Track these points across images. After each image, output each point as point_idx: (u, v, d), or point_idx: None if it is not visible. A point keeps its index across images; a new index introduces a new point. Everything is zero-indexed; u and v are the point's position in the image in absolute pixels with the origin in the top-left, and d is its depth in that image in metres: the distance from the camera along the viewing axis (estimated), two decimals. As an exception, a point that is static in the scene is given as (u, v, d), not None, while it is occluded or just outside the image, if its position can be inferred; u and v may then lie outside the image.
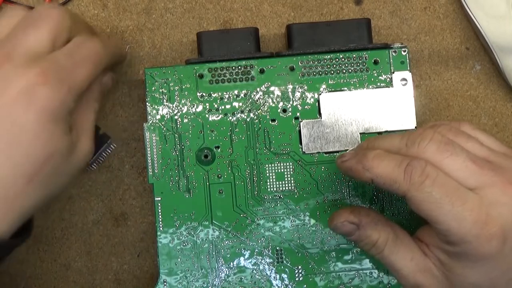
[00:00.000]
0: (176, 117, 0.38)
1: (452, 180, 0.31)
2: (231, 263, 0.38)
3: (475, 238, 0.30)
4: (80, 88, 0.33)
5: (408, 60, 0.39)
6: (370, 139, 0.35)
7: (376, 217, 0.35)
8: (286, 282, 0.38)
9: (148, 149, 0.38)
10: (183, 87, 0.38)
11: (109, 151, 0.42)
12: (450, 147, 0.31)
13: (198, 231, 0.38)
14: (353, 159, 0.33)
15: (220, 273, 0.38)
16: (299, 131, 0.38)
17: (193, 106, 0.38)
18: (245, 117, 0.38)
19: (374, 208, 0.38)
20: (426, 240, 0.33)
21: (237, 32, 0.39)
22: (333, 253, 0.38)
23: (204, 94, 0.38)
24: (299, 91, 0.39)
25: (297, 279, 0.38)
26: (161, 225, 0.38)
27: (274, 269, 0.38)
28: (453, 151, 0.31)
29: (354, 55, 0.39)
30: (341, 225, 0.35)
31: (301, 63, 0.39)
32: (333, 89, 0.39)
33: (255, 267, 0.38)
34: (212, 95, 0.38)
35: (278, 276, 0.38)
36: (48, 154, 0.32)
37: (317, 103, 0.39)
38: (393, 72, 0.39)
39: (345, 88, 0.39)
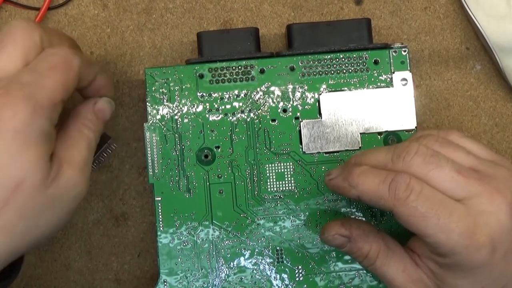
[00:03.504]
0: (176, 117, 0.38)
1: (438, 192, 0.31)
2: (231, 263, 0.38)
3: (464, 248, 0.30)
4: (51, 103, 0.30)
5: (408, 60, 0.39)
6: (357, 155, 0.34)
7: (367, 228, 0.35)
8: (286, 282, 0.38)
9: (148, 149, 0.38)
10: (183, 87, 0.38)
11: (109, 151, 0.42)
12: (435, 159, 0.31)
13: (198, 231, 0.38)
14: (339, 176, 0.33)
15: (220, 273, 0.38)
16: (299, 131, 0.38)
17: (193, 106, 0.38)
18: (245, 117, 0.38)
19: (373, 210, 0.38)
20: (417, 251, 0.33)
21: (237, 32, 0.39)
22: (333, 253, 0.38)
23: (204, 94, 0.38)
24: (299, 91, 0.39)
25: (297, 279, 0.38)
26: (161, 225, 0.38)
27: (274, 269, 0.38)
28: (438, 163, 0.31)
29: (354, 55, 0.39)
30: (332, 238, 0.35)
31: (301, 63, 0.39)
32: (333, 89, 0.39)
33: (255, 267, 0.38)
34: (212, 95, 0.38)
35: (278, 276, 0.38)
36: (16, 180, 0.28)
37: (317, 103, 0.39)
38: (393, 72, 0.39)
39: (345, 88, 0.39)
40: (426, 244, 0.31)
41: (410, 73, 0.39)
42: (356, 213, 0.38)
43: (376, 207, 0.32)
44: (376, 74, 0.39)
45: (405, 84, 0.39)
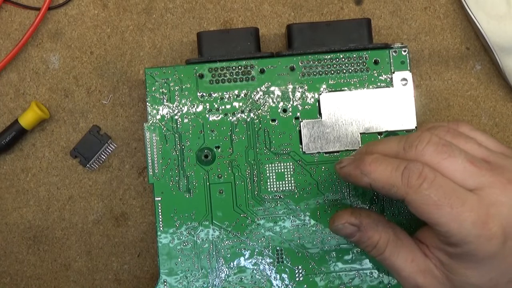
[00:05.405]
0: (176, 117, 0.38)
1: (451, 181, 0.31)
2: (231, 263, 0.38)
3: (475, 238, 0.30)
4: None
5: (408, 60, 0.39)
6: (369, 144, 0.35)
7: (377, 218, 0.35)
8: (286, 282, 0.38)
9: (148, 149, 0.38)
10: (184, 87, 0.38)
11: (109, 151, 0.42)
12: (448, 149, 0.31)
13: (198, 231, 0.38)
14: (351, 164, 0.33)
15: (220, 273, 0.38)
16: (299, 131, 0.38)
17: (193, 106, 0.38)
18: (245, 117, 0.38)
19: (375, 208, 0.38)
20: (426, 241, 0.33)
21: (237, 32, 0.39)
22: (333, 253, 0.38)
23: (204, 94, 0.38)
24: (299, 91, 0.39)
25: (297, 279, 0.38)
26: (161, 225, 0.38)
27: (274, 269, 0.38)
28: (450, 153, 0.31)
29: (354, 55, 0.39)
30: (342, 227, 0.35)
31: (301, 63, 0.39)
32: (333, 89, 0.39)
33: (255, 267, 0.38)
34: (212, 95, 0.38)
35: (278, 276, 0.38)
36: None
37: (317, 103, 0.39)
38: (393, 72, 0.39)
39: (346, 88, 0.39)
40: (437, 234, 0.31)
41: (410, 73, 0.39)
42: (356, 213, 0.38)
43: (388, 195, 0.32)
44: (376, 74, 0.39)
45: (405, 84, 0.39)
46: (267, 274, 0.38)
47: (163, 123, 0.38)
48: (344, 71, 0.39)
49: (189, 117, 0.38)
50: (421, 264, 0.33)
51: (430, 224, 0.31)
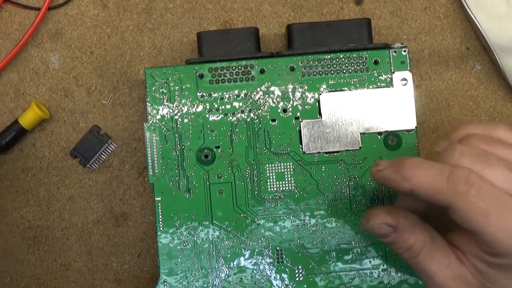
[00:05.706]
0: (176, 117, 0.38)
1: (498, 189, 0.29)
2: (231, 263, 0.38)
3: None
4: None
5: (408, 60, 0.39)
6: None
7: (413, 219, 0.33)
8: (286, 282, 0.38)
9: (149, 149, 0.38)
10: (184, 87, 0.38)
11: (109, 151, 0.42)
12: (485, 158, 0.30)
13: (198, 231, 0.38)
14: (389, 168, 0.31)
15: (220, 273, 0.38)
16: (299, 131, 0.38)
17: (193, 106, 0.38)
18: (245, 117, 0.38)
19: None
20: (461, 247, 0.32)
21: (237, 32, 0.39)
22: (333, 253, 0.38)
23: (204, 94, 0.38)
24: (299, 91, 0.39)
25: (297, 279, 0.38)
26: (161, 225, 0.38)
27: (274, 269, 0.38)
28: (488, 162, 0.30)
29: (354, 55, 0.39)
30: (378, 226, 0.33)
31: (301, 63, 0.39)
32: (333, 89, 0.39)
33: (255, 267, 0.38)
34: (213, 95, 0.38)
35: (278, 276, 0.38)
36: None
37: (317, 103, 0.39)
38: (393, 72, 0.39)
39: (345, 88, 0.39)
40: (480, 242, 0.30)
41: (410, 73, 0.39)
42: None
43: (430, 201, 0.30)
44: (376, 74, 0.39)
45: (405, 84, 0.39)
46: (267, 274, 0.38)
47: (163, 123, 0.38)
48: (344, 71, 0.39)
49: (189, 117, 0.38)
50: (456, 270, 0.31)
51: (476, 232, 0.29)
